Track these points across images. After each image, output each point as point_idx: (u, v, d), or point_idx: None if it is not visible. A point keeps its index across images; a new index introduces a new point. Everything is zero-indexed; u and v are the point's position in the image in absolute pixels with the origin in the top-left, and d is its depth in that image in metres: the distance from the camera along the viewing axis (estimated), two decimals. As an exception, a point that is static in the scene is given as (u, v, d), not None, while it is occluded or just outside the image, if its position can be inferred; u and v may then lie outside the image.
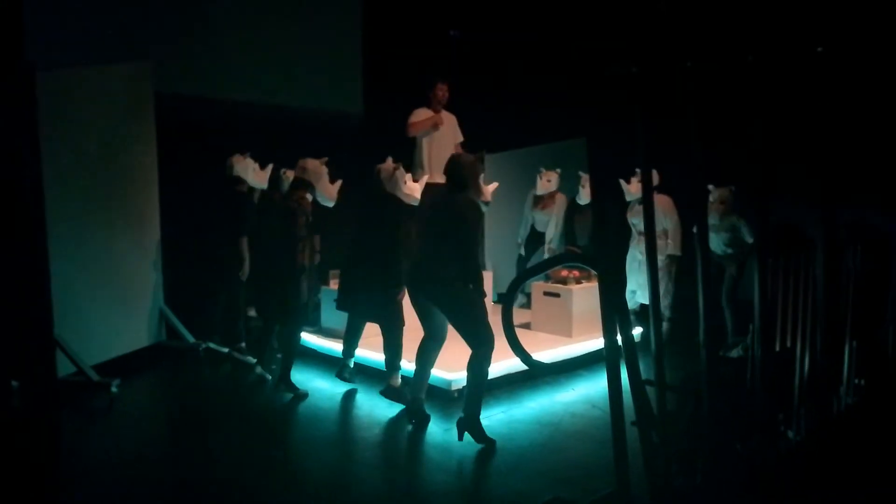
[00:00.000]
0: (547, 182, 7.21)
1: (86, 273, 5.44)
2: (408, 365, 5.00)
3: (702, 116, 2.64)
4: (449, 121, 6.75)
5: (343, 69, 8.79)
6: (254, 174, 6.02)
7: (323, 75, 8.50)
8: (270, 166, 6.04)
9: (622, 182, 6.55)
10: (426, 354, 4.41)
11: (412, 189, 5.06)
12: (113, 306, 5.76)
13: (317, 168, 5.16)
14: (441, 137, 6.64)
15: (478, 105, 8.08)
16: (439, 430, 4.38)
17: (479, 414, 4.17)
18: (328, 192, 5.40)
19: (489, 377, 5.06)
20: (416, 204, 5.08)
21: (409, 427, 4.45)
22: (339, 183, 5.50)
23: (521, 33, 7.90)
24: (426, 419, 4.45)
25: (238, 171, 5.94)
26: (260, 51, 7.85)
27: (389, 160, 5.06)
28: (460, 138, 6.82)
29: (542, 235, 7.45)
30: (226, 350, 5.97)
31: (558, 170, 7.28)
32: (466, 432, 4.15)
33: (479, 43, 8.40)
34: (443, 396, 4.91)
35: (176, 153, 6.45)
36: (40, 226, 4.91)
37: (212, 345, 6.02)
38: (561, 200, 7.30)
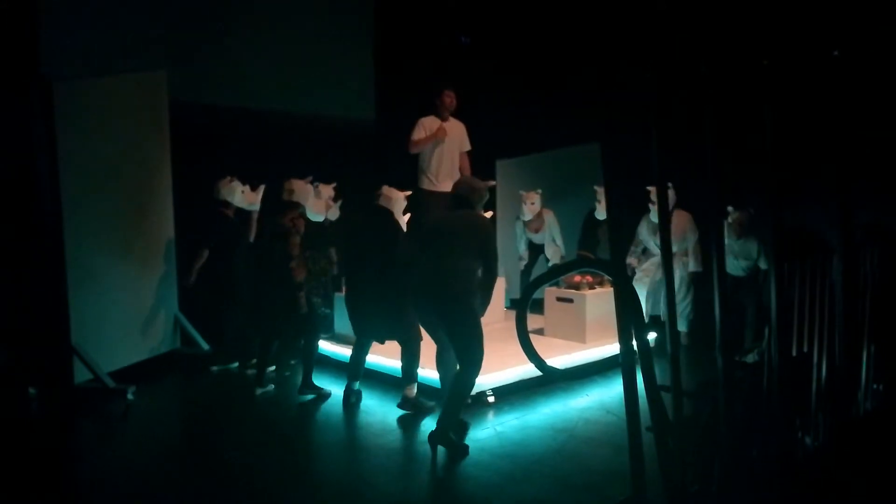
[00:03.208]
0: (532, 205, 7.21)
1: (102, 281, 5.49)
2: (425, 373, 5.00)
3: (718, 122, 2.62)
4: (456, 129, 6.68)
5: (355, 77, 8.84)
6: (242, 196, 6.02)
7: (335, 83, 8.55)
8: (262, 187, 6.05)
9: (650, 205, 6.48)
10: (445, 365, 4.40)
11: (403, 222, 5.19)
12: (128, 314, 5.81)
13: (303, 188, 5.41)
14: (447, 145, 6.59)
15: (488, 111, 8.10)
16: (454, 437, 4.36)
17: (451, 428, 4.16)
18: (317, 209, 5.95)
19: (504, 383, 5.07)
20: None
21: (422, 432, 4.45)
22: (329, 194, 6.14)
23: (533, 38, 7.92)
24: (464, 427, 4.42)
25: (224, 194, 5.94)
26: (273, 59, 7.91)
27: (397, 191, 5.10)
28: (468, 147, 6.74)
29: (539, 247, 7.44)
30: (235, 365, 5.96)
31: (539, 190, 7.27)
32: (440, 445, 4.14)
33: (491, 48, 8.43)
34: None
35: (190, 161, 6.50)
36: (57, 234, 4.97)
37: (214, 368, 5.99)
38: (549, 217, 7.29)
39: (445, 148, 6.56)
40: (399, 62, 8.60)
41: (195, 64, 7.20)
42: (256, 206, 6.06)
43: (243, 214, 6.06)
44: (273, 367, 5.77)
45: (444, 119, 6.57)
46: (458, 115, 6.69)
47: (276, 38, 7.99)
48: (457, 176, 6.66)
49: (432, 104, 6.59)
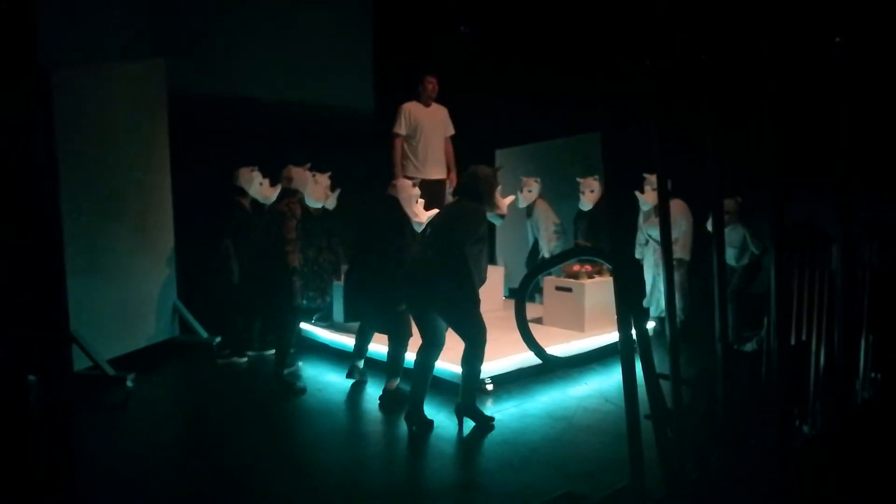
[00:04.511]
0: (528, 193, 7.19)
1: (100, 269, 5.49)
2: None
3: (716, 113, 2.62)
4: (439, 114, 6.64)
5: (354, 66, 8.81)
6: (259, 188, 5.99)
7: (334, 73, 8.52)
8: (279, 186, 6.04)
9: (637, 193, 6.51)
10: (425, 363, 4.36)
11: (421, 213, 5.09)
12: (127, 302, 5.81)
13: (301, 175, 5.39)
14: (431, 132, 6.56)
15: (488, 100, 8.08)
16: (452, 425, 4.39)
17: (475, 402, 4.35)
18: (315, 195, 5.93)
19: (503, 372, 5.09)
20: (418, 227, 5.06)
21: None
22: (325, 182, 6.11)
23: (530, 28, 7.88)
24: (429, 426, 4.36)
25: (242, 182, 5.94)
26: (272, 49, 7.89)
27: (409, 182, 5.11)
28: (451, 131, 6.70)
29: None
30: (244, 359, 5.98)
31: (538, 179, 7.25)
32: (466, 417, 4.34)
33: (490, 38, 8.39)
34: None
35: (189, 149, 6.48)
36: (56, 223, 4.98)
37: (220, 361, 6.01)
38: (541, 208, 7.25)
39: (430, 134, 6.53)
40: (398, 52, 8.57)
41: (194, 53, 7.17)
42: (270, 202, 6.03)
43: (257, 206, 6.05)
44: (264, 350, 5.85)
45: (426, 105, 6.53)
46: (446, 102, 6.65)
47: (276, 27, 7.96)
48: (442, 162, 6.64)
49: (414, 90, 6.55)
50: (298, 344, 6.01)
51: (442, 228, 4.33)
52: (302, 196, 5.39)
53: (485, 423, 4.32)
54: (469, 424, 4.37)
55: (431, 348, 4.36)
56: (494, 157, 8.56)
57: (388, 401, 4.78)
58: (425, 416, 4.36)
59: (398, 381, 4.84)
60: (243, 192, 5.96)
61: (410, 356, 4.90)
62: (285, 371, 5.31)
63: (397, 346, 4.85)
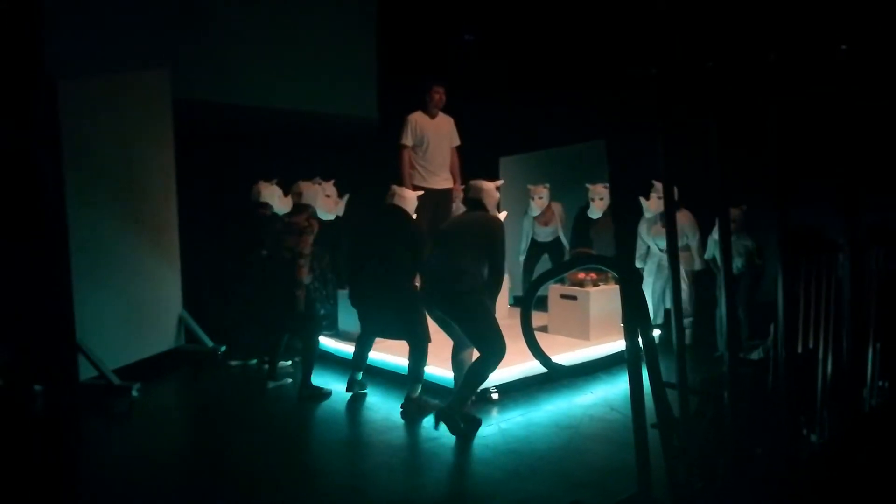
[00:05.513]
0: (539, 200, 7.22)
1: (106, 279, 5.50)
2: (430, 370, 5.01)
3: (722, 121, 2.62)
4: (445, 124, 6.64)
5: (358, 75, 8.83)
6: (279, 201, 6.09)
7: (338, 81, 8.55)
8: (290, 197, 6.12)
9: (641, 199, 6.51)
10: (461, 362, 4.50)
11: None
12: (133, 312, 5.82)
13: (310, 188, 5.47)
14: (437, 141, 6.58)
15: (491, 108, 8.09)
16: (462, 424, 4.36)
17: (459, 411, 4.27)
18: (327, 207, 6.02)
19: (508, 380, 5.07)
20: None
21: (425, 430, 4.46)
22: (332, 194, 6.15)
23: (536, 36, 7.91)
24: (476, 423, 4.41)
25: (265, 197, 6.03)
26: (276, 57, 7.91)
27: (406, 189, 5.17)
28: (457, 142, 6.71)
29: (542, 245, 7.43)
30: (265, 367, 6.00)
31: (547, 184, 7.28)
32: (442, 422, 4.29)
33: (493, 46, 8.42)
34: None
35: (194, 159, 6.51)
36: (62, 233, 5.00)
37: (234, 363, 6.05)
38: (558, 209, 7.31)
39: (436, 145, 6.53)
40: (402, 60, 8.59)
41: (199, 62, 7.20)
42: (284, 212, 6.08)
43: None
44: (289, 362, 5.89)
45: (432, 116, 6.54)
46: (450, 110, 6.65)
47: (279, 36, 7.99)
48: (447, 172, 6.65)
49: (421, 100, 6.57)
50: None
51: (466, 238, 4.37)
52: (314, 210, 5.42)
53: (457, 434, 4.24)
54: (477, 433, 4.34)
55: (464, 347, 4.45)
56: (498, 164, 8.56)
57: (412, 410, 4.71)
58: (469, 415, 4.39)
59: (420, 387, 4.80)
60: (266, 205, 6.03)
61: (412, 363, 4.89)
62: (272, 384, 5.35)
63: (419, 354, 4.78)
